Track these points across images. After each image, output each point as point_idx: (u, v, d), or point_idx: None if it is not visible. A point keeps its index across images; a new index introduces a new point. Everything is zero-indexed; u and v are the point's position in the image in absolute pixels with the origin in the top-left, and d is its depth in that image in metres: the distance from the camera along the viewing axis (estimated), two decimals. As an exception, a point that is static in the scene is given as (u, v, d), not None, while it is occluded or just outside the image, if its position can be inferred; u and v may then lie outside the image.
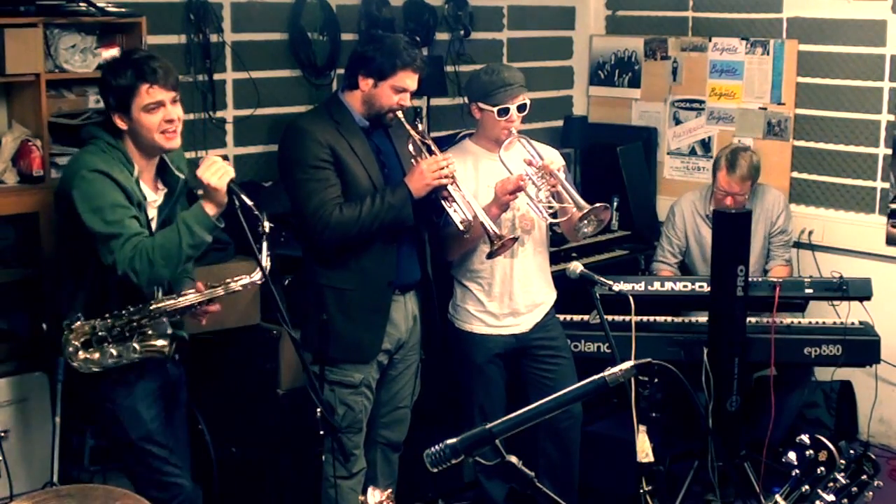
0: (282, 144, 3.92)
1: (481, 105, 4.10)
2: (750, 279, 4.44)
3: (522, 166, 4.01)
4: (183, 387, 3.70)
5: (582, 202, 3.92)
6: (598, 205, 3.91)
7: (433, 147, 3.88)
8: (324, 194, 3.76)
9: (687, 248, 5.25)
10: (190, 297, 3.33)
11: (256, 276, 3.26)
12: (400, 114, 3.85)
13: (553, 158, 4.12)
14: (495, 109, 4.05)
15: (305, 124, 3.85)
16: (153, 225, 3.39)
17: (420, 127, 3.93)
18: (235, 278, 3.32)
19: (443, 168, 3.78)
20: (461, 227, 3.81)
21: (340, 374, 3.89)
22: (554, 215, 4.03)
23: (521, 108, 4.08)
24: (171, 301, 3.31)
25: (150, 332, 3.32)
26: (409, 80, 3.82)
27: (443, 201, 3.84)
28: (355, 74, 3.85)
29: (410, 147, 3.88)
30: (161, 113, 3.31)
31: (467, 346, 4.24)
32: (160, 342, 3.35)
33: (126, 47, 4.24)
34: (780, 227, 5.17)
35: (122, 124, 3.32)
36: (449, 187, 3.81)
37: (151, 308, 3.28)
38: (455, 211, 3.82)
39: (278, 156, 3.95)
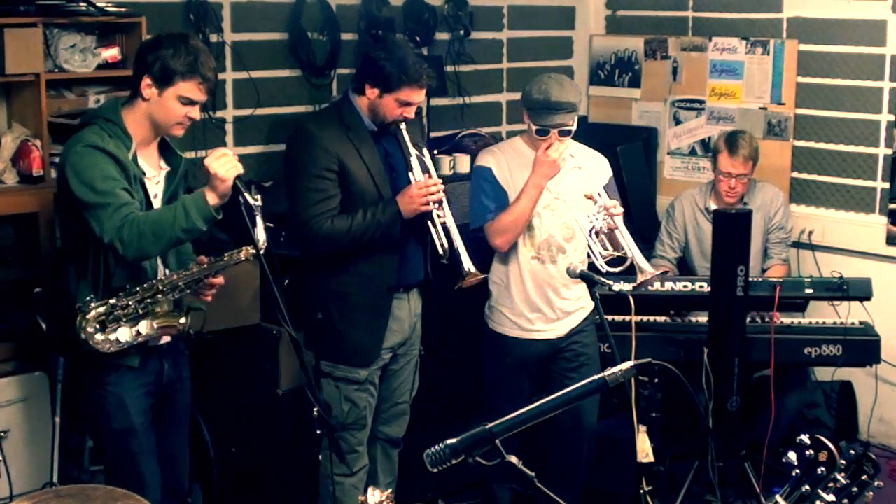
0: (290, 145, 3.95)
1: (526, 115, 4.07)
2: (750, 279, 4.44)
3: (578, 184, 4.01)
4: (183, 393, 3.63)
5: (644, 264, 3.85)
6: (658, 272, 3.89)
7: (429, 166, 3.89)
8: (320, 206, 3.78)
9: (686, 243, 5.25)
10: (198, 270, 3.33)
11: (260, 238, 3.24)
12: (403, 126, 3.86)
13: (601, 166, 4.16)
14: (534, 128, 4.04)
15: (316, 129, 3.86)
16: (157, 202, 3.39)
17: (422, 147, 3.95)
18: (238, 249, 3.31)
19: (432, 193, 3.79)
20: (440, 253, 3.82)
21: (346, 371, 3.91)
22: (612, 263, 3.94)
23: (563, 132, 4.00)
24: (180, 274, 3.32)
25: (164, 307, 3.34)
26: (415, 95, 3.83)
27: (429, 222, 3.85)
28: (363, 81, 3.85)
29: (411, 162, 3.88)
30: (189, 109, 3.34)
31: (498, 348, 4.22)
32: (178, 318, 3.38)
33: (126, 47, 4.25)
34: (777, 224, 5.15)
35: (147, 93, 3.30)
36: (434, 213, 3.81)
37: (164, 282, 3.29)
38: (437, 236, 3.83)
39: (285, 155, 3.99)
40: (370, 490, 2.63)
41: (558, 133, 4.00)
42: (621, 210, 3.97)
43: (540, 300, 4.15)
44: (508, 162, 4.13)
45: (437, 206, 3.81)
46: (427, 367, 4.23)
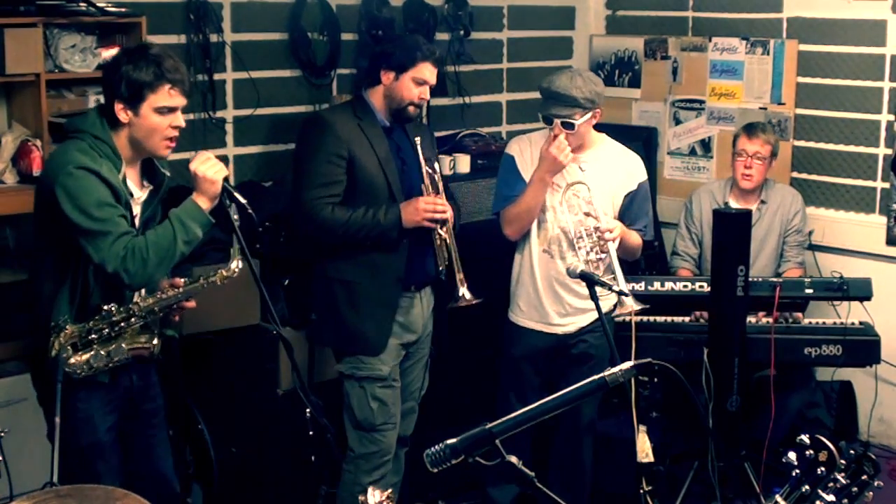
0: (302, 132, 4.01)
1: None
2: (750, 279, 4.44)
3: (595, 189, 4.02)
4: (152, 399, 3.55)
5: (624, 289, 3.82)
6: (638, 307, 3.84)
7: (440, 186, 3.94)
8: (323, 189, 3.81)
9: (702, 237, 5.21)
10: (173, 294, 3.26)
11: (233, 264, 3.21)
12: (418, 140, 3.91)
13: (628, 174, 4.16)
14: (541, 116, 4.07)
15: (329, 117, 3.98)
16: (136, 222, 3.30)
17: (433, 163, 3.98)
18: (213, 272, 3.24)
19: (438, 212, 3.84)
20: (439, 269, 3.91)
21: (368, 369, 3.92)
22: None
23: (565, 125, 3.99)
24: (156, 298, 3.25)
25: (137, 331, 3.29)
26: (429, 72, 3.91)
27: (433, 235, 3.91)
28: (377, 69, 3.93)
29: (424, 175, 3.93)
30: (170, 118, 3.21)
31: (509, 337, 4.25)
32: (149, 341, 3.33)
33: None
34: (795, 227, 5.12)
35: (123, 117, 3.19)
36: (434, 233, 3.88)
37: (141, 306, 3.24)
38: (438, 252, 3.91)
39: (296, 142, 4.04)
40: (370, 490, 2.63)
41: (560, 125, 3.99)
42: (615, 235, 3.96)
43: (548, 294, 4.15)
44: (532, 152, 4.14)
45: (439, 225, 3.87)
46: (436, 367, 4.23)
